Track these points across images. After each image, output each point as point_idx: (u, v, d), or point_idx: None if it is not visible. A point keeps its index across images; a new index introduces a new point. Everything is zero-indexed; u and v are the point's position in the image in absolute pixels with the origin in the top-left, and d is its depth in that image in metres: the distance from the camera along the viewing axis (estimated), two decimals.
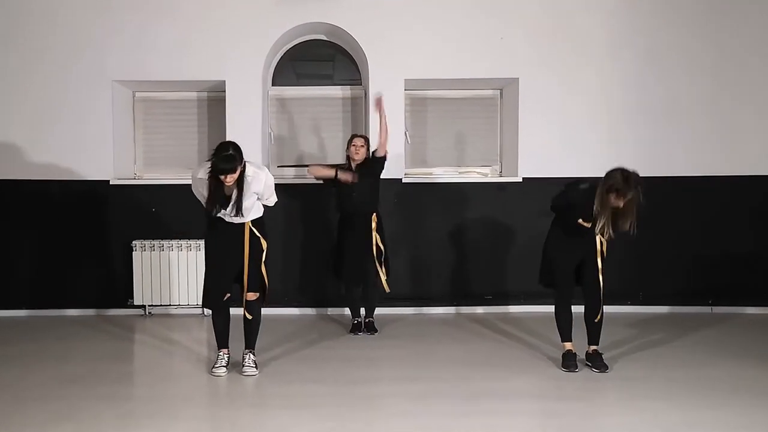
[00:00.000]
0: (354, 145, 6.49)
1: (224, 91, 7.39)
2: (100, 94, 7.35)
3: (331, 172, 6.46)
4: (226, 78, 7.36)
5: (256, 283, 5.17)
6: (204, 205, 5.00)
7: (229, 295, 5.19)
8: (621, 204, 4.84)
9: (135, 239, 7.28)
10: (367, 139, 6.61)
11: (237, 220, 5.03)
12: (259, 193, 5.05)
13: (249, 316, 5.22)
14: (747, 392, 4.73)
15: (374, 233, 6.43)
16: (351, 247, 6.45)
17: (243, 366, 5.18)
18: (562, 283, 5.33)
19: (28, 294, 7.37)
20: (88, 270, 7.38)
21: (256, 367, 5.20)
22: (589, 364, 5.29)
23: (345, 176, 6.38)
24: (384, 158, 6.50)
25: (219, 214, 5.00)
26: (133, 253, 7.25)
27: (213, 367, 5.22)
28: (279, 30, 7.38)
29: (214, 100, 7.73)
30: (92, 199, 7.36)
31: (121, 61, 7.34)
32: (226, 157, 4.74)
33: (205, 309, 5.12)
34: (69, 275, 7.37)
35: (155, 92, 7.80)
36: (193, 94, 7.83)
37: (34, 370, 5.31)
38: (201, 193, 5.00)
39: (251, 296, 5.17)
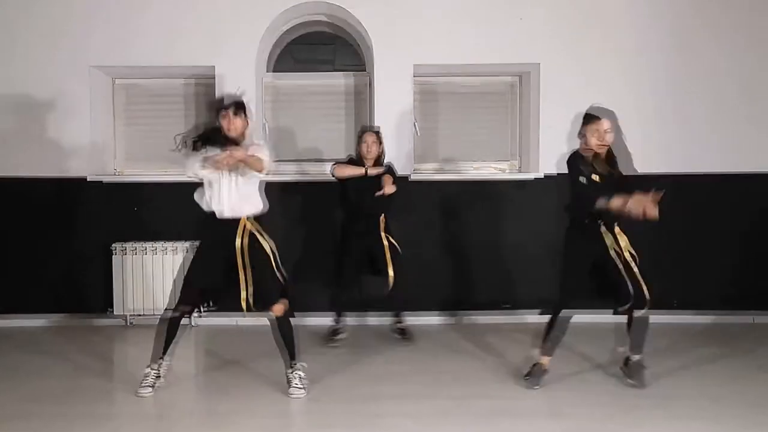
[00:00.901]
0: (365, 143, 6.44)
1: (214, 78, 7.31)
2: (76, 82, 7.27)
3: (360, 170, 6.37)
4: (216, 63, 7.28)
5: (275, 294, 5.02)
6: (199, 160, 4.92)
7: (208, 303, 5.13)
8: (603, 132, 4.94)
9: (115, 242, 7.20)
10: (378, 134, 6.55)
11: (231, 209, 4.95)
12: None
13: (282, 331, 5.06)
14: None
15: (383, 234, 6.40)
16: (358, 250, 6.42)
17: (291, 387, 5.03)
18: (568, 288, 5.17)
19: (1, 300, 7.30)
20: (63, 276, 7.32)
21: (304, 388, 5.04)
22: (627, 375, 5.20)
23: (374, 171, 6.33)
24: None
25: (212, 195, 4.95)
26: (113, 257, 7.17)
27: (139, 386, 5.05)
28: (274, 10, 7.31)
29: (203, 87, 7.65)
30: (67, 198, 7.30)
31: (99, 44, 7.27)
32: (231, 97, 4.98)
33: (180, 313, 4.99)
34: (43, 281, 7.30)
35: (137, 79, 7.72)
36: (180, 82, 7.75)
37: (7, 387, 5.23)
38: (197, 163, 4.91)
39: (278, 310, 4.99)
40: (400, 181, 6.89)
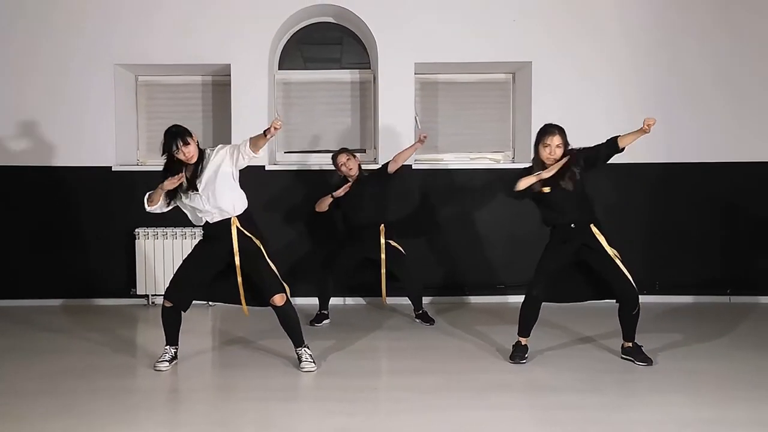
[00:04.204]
0: (343, 165, 6.34)
1: (229, 75, 7.22)
2: (101, 78, 7.18)
3: (328, 198, 6.36)
4: (232, 62, 7.18)
5: (275, 285, 4.91)
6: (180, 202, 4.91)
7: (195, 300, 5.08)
8: (553, 151, 4.90)
9: (138, 227, 7.14)
10: (348, 151, 6.47)
11: (217, 212, 4.86)
12: (224, 160, 4.84)
13: (285, 320, 4.97)
14: None
15: (383, 242, 6.29)
16: (351, 247, 6.37)
17: (301, 362, 4.96)
18: (537, 282, 5.07)
19: (27, 283, 7.23)
20: (89, 259, 7.25)
21: (314, 362, 4.97)
22: (630, 358, 5.08)
23: (339, 192, 6.31)
24: (392, 175, 6.38)
25: (196, 205, 4.87)
26: (136, 241, 7.11)
27: (156, 361, 5.03)
28: (286, 12, 7.21)
29: (219, 85, 7.57)
30: (94, 186, 7.21)
31: (123, 44, 7.17)
32: (171, 133, 4.79)
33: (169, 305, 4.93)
34: (70, 264, 7.24)
35: (159, 76, 7.63)
36: (198, 78, 7.66)
37: (33, 363, 5.17)
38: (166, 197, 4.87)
39: (278, 300, 4.89)
40: (403, 170, 6.80)
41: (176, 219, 6.98)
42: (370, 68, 7.63)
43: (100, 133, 7.20)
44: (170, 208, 4.98)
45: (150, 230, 7.10)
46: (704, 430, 3.88)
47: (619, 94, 7.19)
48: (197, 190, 4.81)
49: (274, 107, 7.53)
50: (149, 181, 7.13)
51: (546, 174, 4.89)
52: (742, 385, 4.59)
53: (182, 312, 5.02)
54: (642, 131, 4.78)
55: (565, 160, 4.90)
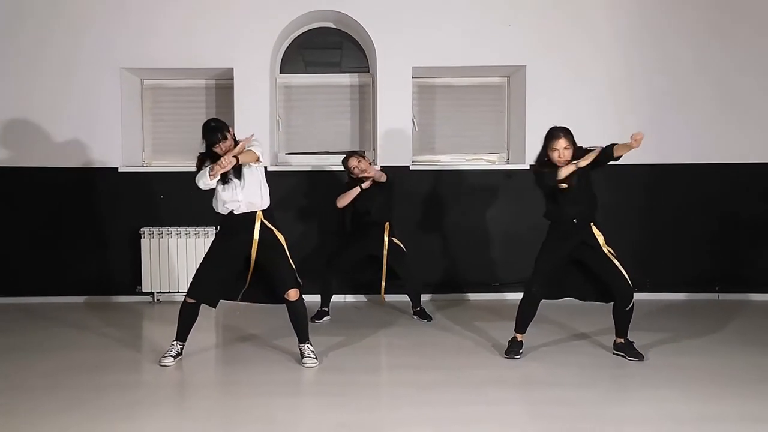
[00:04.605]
0: (355, 167, 6.25)
1: (232, 79, 7.20)
2: (108, 82, 7.16)
3: (356, 190, 6.27)
4: (234, 65, 7.16)
5: (292, 279, 4.91)
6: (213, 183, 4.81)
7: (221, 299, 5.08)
8: (562, 153, 4.80)
9: (143, 226, 7.12)
10: (359, 153, 6.45)
11: (245, 204, 4.86)
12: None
13: (296, 315, 4.95)
14: (759, 382, 4.54)
15: (387, 239, 6.26)
16: (357, 243, 6.34)
17: (303, 358, 4.94)
18: (536, 279, 5.05)
19: (35, 281, 7.20)
20: (96, 257, 7.22)
21: (316, 358, 4.96)
22: (622, 354, 5.07)
23: (366, 183, 6.22)
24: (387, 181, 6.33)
25: (226, 195, 4.86)
26: (141, 240, 7.09)
27: (162, 356, 5.00)
28: (287, 17, 7.20)
29: (222, 88, 7.55)
30: (101, 187, 7.19)
31: (129, 48, 7.15)
32: (212, 128, 4.77)
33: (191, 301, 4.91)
34: (77, 262, 7.21)
35: (163, 80, 7.60)
36: (201, 82, 7.63)
37: (42, 359, 5.14)
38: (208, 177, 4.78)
39: (293, 295, 4.89)
40: (401, 170, 6.82)
41: (180, 218, 7.05)
42: (369, 72, 7.61)
43: (107, 135, 7.18)
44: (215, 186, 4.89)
45: (155, 229, 7.09)
46: (695, 424, 3.86)
47: (611, 97, 7.19)
48: (240, 179, 4.82)
49: (275, 110, 7.51)
50: (155, 181, 7.21)
51: (583, 163, 4.75)
52: (731, 381, 4.58)
53: (197, 311, 4.99)
54: (629, 146, 4.65)
55: (598, 149, 4.77)
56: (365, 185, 6.24)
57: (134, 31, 7.15)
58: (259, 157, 4.80)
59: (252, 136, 4.91)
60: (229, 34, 7.16)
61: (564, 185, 4.80)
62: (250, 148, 4.77)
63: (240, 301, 5.14)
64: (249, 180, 4.86)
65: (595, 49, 7.22)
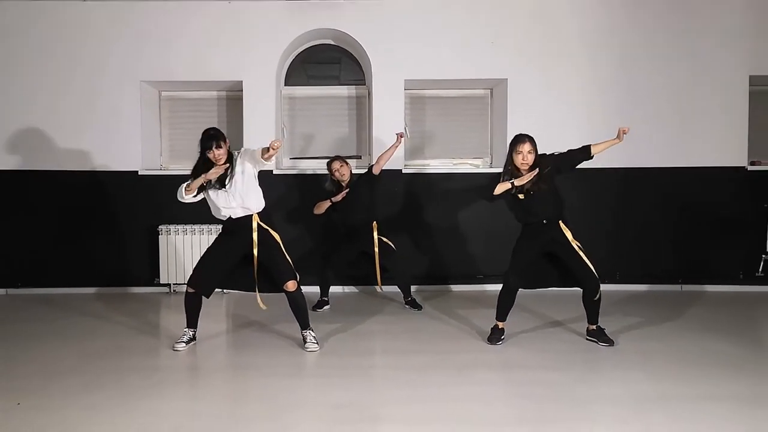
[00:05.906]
0: (337, 171, 6.27)
1: (242, 91, 7.19)
2: (129, 94, 7.15)
3: (326, 203, 6.30)
4: (244, 78, 7.15)
5: (289, 272, 4.88)
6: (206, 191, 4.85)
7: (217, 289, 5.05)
8: (525, 156, 4.84)
9: (161, 224, 7.11)
10: (342, 158, 6.39)
11: (240, 209, 4.84)
12: (249, 163, 4.80)
13: (295, 304, 4.94)
14: (715, 365, 4.54)
15: (376, 237, 6.23)
16: (349, 243, 6.32)
17: (306, 343, 4.94)
18: (513, 272, 5.02)
19: (61, 273, 7.19)
20: (117, 252, 7.21)
21: (317, 343, 4.95)
22: (594, 340, 5.07)
23: (337, 197, 6.24)
24: (378, 176, 6.30)
25: (221, 203, 4.84)
26: (159, 236, 7.09)
27: (176, 342, 5.00)
28: (291, 35, 7.19)
29: (233, 99, 7.53)
30: (122, 188, 7.18)
31: (149, 63, 7.14)
32: (209, 135, 4.73)
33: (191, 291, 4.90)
34: (100, 256, 7.19)
35: (179, 91, 7.58)
36: (214, 93, 7.61)
37: (66, 345, 5.12)
38: (196, 187, 4.79)
39: (291, 286, 4.87)
40: (394, 174, 6.78)
41: (194, 216, 7.03)
42: (365, 84, 7.60)
43: (128, 142, 7.16)
44: (198, 199, 4.89)
45: (172, 227, 7.07)
46: (658, 403, 3.86)
47: (584, 108, 7.18)
48: (225, 188, 4.78)
49: (280, 119, 7.49)
50: (171, 183, 7.13)
51: (518, 183, 4.84)
52: (692, 363, 4.57)
53: (204, 298, 4.98)
54: (615, 141, 4.85)
55: (535, 172, 4.83)
56: (335, 199, 6.26)
57: (153, 48, 7.13)
58: (261, 154, 4.67)
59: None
60: (238, 51, 7.15)
61: (520, 196, 4.90)
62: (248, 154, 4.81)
63: (259, 293, 5.08)
64: (244, 187, 4.81)
65: (570, 64, 7.21)
